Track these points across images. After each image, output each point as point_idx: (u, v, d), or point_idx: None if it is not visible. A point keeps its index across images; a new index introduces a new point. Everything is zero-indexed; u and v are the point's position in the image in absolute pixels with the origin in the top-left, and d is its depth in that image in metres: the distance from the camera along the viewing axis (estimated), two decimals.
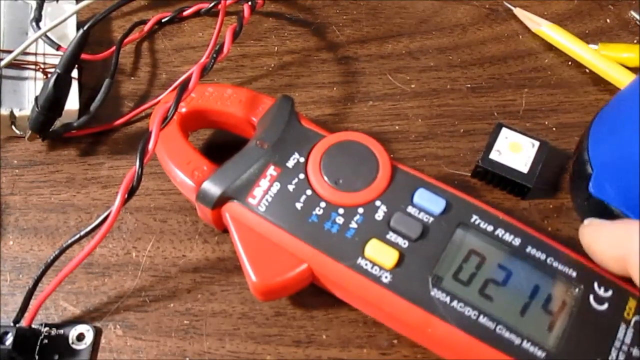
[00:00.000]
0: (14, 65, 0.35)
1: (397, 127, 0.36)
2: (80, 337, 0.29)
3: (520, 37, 0.40)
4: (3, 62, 0.34)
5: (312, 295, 0.31)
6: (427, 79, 0.38)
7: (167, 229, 0.33)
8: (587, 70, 0.39)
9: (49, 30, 0.35)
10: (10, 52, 0.34)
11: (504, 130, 0.33)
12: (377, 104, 0.37)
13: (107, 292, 0.31)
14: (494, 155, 0.33)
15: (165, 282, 0.31)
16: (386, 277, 0.27)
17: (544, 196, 0.34)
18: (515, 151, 0.33)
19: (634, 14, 0.41)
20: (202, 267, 0.32)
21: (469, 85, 0.38)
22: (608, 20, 0.41)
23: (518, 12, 0.41)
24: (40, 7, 0.38)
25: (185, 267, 0.32)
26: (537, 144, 0.33)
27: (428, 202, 0.29)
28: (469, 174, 0.34)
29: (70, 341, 0.29)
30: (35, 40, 0.35)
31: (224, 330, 0.30)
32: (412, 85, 0.38)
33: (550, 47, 0.40)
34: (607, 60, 0.38)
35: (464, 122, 0.37)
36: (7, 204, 0.33)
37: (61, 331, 0.29)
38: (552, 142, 0.34)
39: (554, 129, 0.36)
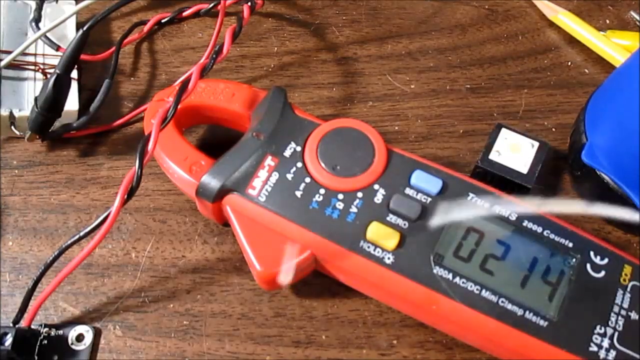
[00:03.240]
0: (13, 65, 0.35)
1: (396, 128, 0.36)
2: (80, 338, 0.29)
3: (520, 38, 0.40)
4: (3, 63, 0.34)
5: (312, 295, 0.31)
6: (427, 80, 0.38)
7: (167, 230, 0.33)
8: (587, 71, 0.39)
9: (48, 30, 0.35)
10: (9, 52, 0.34)
11: (504, 131, 0.33)
12: (377, 104, 0.37)
13: (106, 292, 0.31)
14: (493, 156, 0.33)
15: (165, 282, 0.31)
16: (389, 258, 0.27)
17: (543, 197, 0.34)
18: (514, 152, 0.33)
19: (633, 14, 0.41)
20: (201, 268, 0.32)
21: (468, 86, 0.38)
22: (607, 21, 0.41)
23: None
24: (39, 8, 0.38)
25: (185, 267, 0.32)
26: (536, 144, 0.33)
27: (425, 183, 0.29)
28: (469, 175, 0.34)
29: (69, 342, 0.29)
30: (35, 40, 0.35)
31: (223, 330, 0.30)
32: (412, 86, 0.38)
33: (549, 48, 0.40)
34: (616, 46, 0.39)
35: (463, 122, 0.37)
36: (7, 204, 0.33)
37: (60, 332, 0.29)
38: (551, 143, 0.34)
39: (553, 129, 0.36)
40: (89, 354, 0.29)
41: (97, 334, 0.30)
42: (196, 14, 0.40)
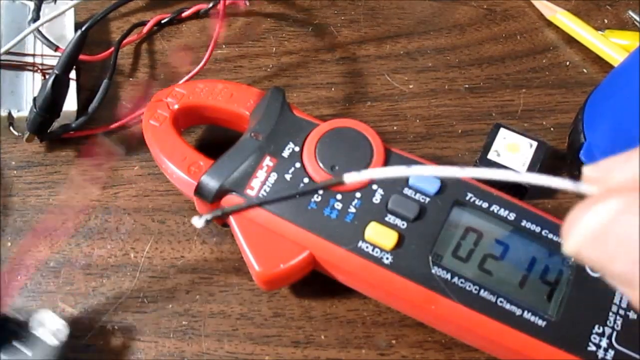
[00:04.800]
0: (12, 66, 0.35)
1: (395, 128, 0.36)
2: (44, 324, 0.27)
3: (519, 37, 0.40)
4: None
5: (311, 295, 0.31)
6: (425, 80, 0.38)
7: (166, 230, 0.33)
8: (585, 71, 0.39)
9: (42, 24, 0.35)
10: (8, 53, 0.34)
11: (502, 131, 0.33)
12: (375, 104, 0.37)
13: (105, 293, 0.31)
14: (492, 156, 0.33)
15: (164, 283, 0.31)
16: (387, 259, 0.27)
17: (542, 197, 0.34)
18: (513, 151, 0.33)
19: (631, 14, 0.41)
20: (200, 268, 0.32)
21: (467, 86, 0.38)
22: (606, 21, 0.41)
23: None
24: (38, 9, 0.38)
25: (184, 268, 0.32)
26: (535, 144, 0.33)
27: (423, 183, 0.29)
28: None
29: (30, 326, 0.27)
30: (28, 34, 0.34)
31: (222, 331, 0.30)
32: (410, 86, 0.38)
33: (548, 48, 0.40)
34: (615, 46, 0.39)
35: (462, 122, 0.37)
36: (6, 205, 0.33)
37: (21, 317, 0.27)
38: (550, 143, 0.34)
39: (551, 129, 0.36)
40: (55, 343, 0.27)
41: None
42: (195, 15, 0.40)
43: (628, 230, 0.15)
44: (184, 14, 0.40)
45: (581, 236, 0.16)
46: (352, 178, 0.22)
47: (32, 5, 0.38)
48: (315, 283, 0.31)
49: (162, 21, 0.40)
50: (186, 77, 0.36)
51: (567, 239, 0.17)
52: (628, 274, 0.16)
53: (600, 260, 0.16)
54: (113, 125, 0.35)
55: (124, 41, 0.38)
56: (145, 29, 0.39)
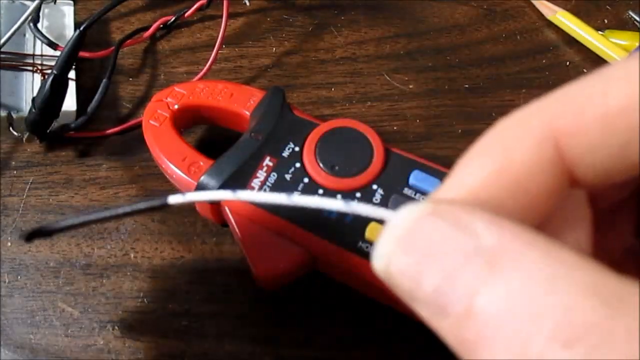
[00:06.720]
0: (12, 67, 0.35)
1: (395, 128, 0.36)
2: None
3: (518, 37, 0.40)
4: None
5: (311, 295, 0.31)
6: (425, 80, 0.38)
7: (166, 230, 0.33)
8: (585, 71, 0.39)
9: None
10: (8, 53, 0.34)
11: None
12: (375, 104, 0.37)
13: (105, 293, 0.31)
14: None
15: (164, 283, 0.31)
16: None
17: None
18: None
19: (631, 14, 0.41)
20: (200, 268, 0.32)
21: (467, 86, 0.38)
22: (606, 21, 0.41)
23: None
24: (38, 9, 0.37)
25: (184, 268, 0.32)
26: None
27: (424, 183, 0.29)
28: None
29: None
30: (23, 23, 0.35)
31: (222, 331, 0.30)
32: (410, 86, 0.38)
33: (548, 48, 0.40)
34: (615, 46, 0.39)
35: (462, 122, 0.37)
36: (5, 205, 0.33)
37: None
38: None
39: None
40: None
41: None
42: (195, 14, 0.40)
43: (436, 234, 0.13)
44: (186, 15, 0.39)
45: (389, 244, 0.14)
46: (176, 200, 0.19)
47: (32, 5, 0.38)
48: (316, 283, 0.31)
49: (166, 24, 0.39)
50: (195, 78, 0.36)
51: (375, 251, 0.14)
52: (437, 293, 0.12)
53: (410, 276, 0.13)
54: (113, 131, 0.35)
55: (125, 42, 0.37)
56: (148, 33, 0.38)
